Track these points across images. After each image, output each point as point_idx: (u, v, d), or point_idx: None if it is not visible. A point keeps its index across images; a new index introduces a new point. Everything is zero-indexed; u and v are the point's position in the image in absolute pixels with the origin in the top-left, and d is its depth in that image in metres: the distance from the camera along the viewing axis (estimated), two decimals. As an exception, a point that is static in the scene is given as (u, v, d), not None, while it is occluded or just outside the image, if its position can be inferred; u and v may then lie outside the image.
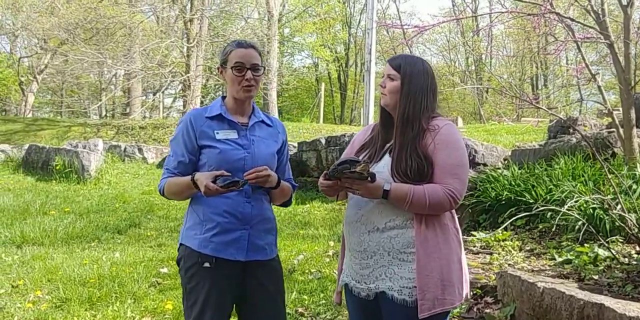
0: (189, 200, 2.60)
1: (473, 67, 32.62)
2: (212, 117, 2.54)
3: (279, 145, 2.71)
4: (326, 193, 2.46)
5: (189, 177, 2.43)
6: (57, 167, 11.47)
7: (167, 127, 17.82)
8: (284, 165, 2.78)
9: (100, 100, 31.87)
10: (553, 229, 4.99)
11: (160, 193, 2.62)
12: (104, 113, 35.11)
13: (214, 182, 2.31)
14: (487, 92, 27.71)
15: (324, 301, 4.35)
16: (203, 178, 2.33)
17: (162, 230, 7.51)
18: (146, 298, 4.58)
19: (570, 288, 3.26)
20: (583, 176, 5.73)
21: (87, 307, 4.43)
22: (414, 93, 2.43)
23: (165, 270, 5.41)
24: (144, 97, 28.96)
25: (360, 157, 2.47)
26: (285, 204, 2.81)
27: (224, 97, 2.66)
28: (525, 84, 31.76)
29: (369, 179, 2.26)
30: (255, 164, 2.50)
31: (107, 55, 19.86)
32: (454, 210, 2.42)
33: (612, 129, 6.83)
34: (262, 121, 2.68)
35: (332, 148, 10.12)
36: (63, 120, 20.83)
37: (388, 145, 2.50)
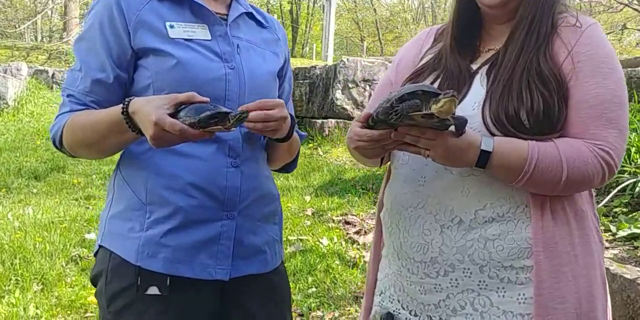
0: (113, 163, 1.39)
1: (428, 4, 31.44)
2: None
3: (280, 61, 1.57)
4: (363, 154, 1.36)
5: (116, 109, 1.26)
6: (-34, 94, 9.77)
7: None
8: (287, 99, 1.58)
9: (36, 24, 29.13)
10: None
11: (54, 144, 1.41)
12: (40, 38, 32.29)
13: (174, 114, 1.17)
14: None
15: (314, 288, 3.21)
16: (150, 108, 1.17)
17: (93, 176, 6.19)
18: (61, 283, 3.31)
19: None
20: None
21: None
22: None
23: (92, 235, 4.14)
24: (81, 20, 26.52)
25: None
26: (288, 168, 1.67)
27: None
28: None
29: (456, 128, 1.20)
30: (245, 91, 1.40)
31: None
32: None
33: None
34: (251, 15, 1.54)
35: (301, 82, 8.71)
36: (-14, 42, 18.63)
37: (476, 66, 1.37)
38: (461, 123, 1.20)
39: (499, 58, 1.36)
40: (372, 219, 4.57)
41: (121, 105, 1.24)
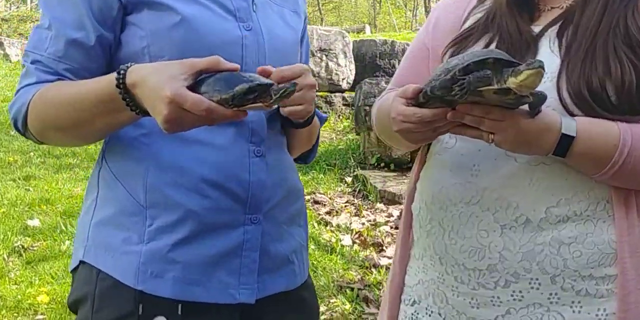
0: (95, 152, 1.07)
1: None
2: None
3: (301, 21, 1.28)
4: (408, 138, 1.10)
5: (106, 80, 0.94)
6: None
7: (38, 20, 15.01)
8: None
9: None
10: None
11: (15, 127, 1.07)
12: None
13: (193, 87, 0.87)
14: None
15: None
16: (162, 79, 0.86)
17: (31, 153, 5.65)
18: (3, 280, 2.90)
19: None
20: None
21: None
22: None
23: (36, 222, 3.70)
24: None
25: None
26: (307, 158, 1.40)
27: None
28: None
29: (531, 106, 0.97)
30: (265, 60, 1.10)
31: None
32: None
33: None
34: None
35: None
36: None
37: (539, 29, 1.13)
38: (539, 100, 0.94)
39: (572, 17, 1.09)
40: (340, 197, 4.34)
41: (114, 74, 0.91)
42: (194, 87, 0.86)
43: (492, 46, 1.16)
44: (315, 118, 1.25)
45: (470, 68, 0.90)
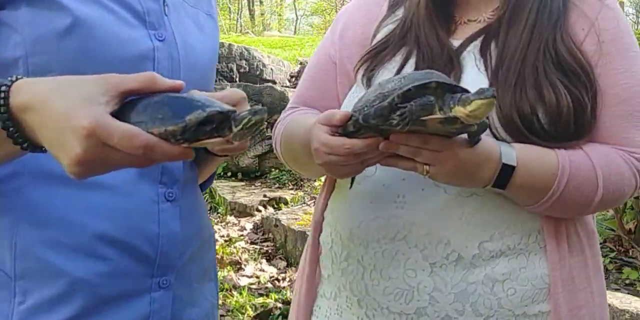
0: None
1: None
2: None
3: (217, 29, 1.06)
4: (332, 171, 0.96)
5: None
6: None
7: None
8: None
9: None
10: None
11: None
12: None
13: (118, 115, 0.60)
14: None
15: None
16: (75, 102, 0.58)
17: None
18: None
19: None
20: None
21: None
22: None
23: None
24: None
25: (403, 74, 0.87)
26: (203, 187, 1.11)
27: None
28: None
29: (470, 135, 0.87)
30: (179, 77, 0.86)
31: None
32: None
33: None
34: None
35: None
36: None
37: (457, 43, 1.06)
38: (482, 128, 0.84)
39: (493, 33, 1.02)
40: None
41: None
42: (117, 115, 0.60)
43: (411, 61, 1.05)
44: None
45: (410, 93, 0.77)
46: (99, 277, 0.80)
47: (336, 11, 21.35)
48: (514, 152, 0.91)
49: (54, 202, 0.78)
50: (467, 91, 0.79)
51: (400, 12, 1.12)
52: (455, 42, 1.05)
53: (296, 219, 3.87)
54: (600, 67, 0.98)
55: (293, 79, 7.50)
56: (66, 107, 0.58)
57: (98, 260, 0.80)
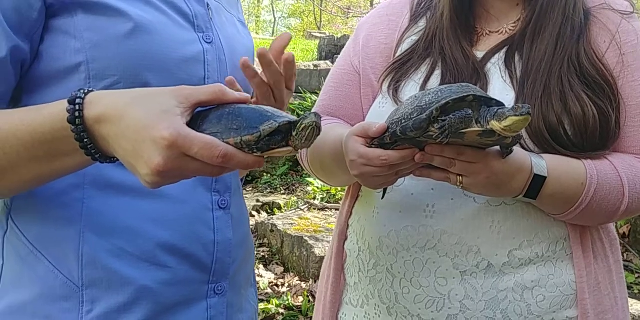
0: None
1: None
2: None
3: (249, 34, 1.06)
4: (367, 182, 0.97)
5: (51, 112, 0.66)
6: None
7: None
8: None
9: None
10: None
11: None
12: None
13: (191, 126, 0.64)
14: None
15: None
16: (154, 114, 0.62)
17: None
18: None
19: None
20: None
21: None
22: None
23: None
24: None
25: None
26: None
27: None
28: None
29: (503, 147, 0.89)
30: (225, 73, 0.90)
31: None
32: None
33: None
34: None
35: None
36: None
37: (481, 55, 1.08)
38: (515, 141, 0.86)
39: (517, 45, 1.04)
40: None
41: (62, 104, 0.64)
42: (190, 126, 0.62)
43: (437, 72, 1.07)
44: None
45: (448, 106, 0.79)
46: (162, 285, 0.81)
47: (314, 13, 21.33)
48: (544, 163, 0.93)
49: (116, 212, 0.79)
50: (501, 104, 0.81)
51: (422, 23, 1.14)
52: (479, 53, 1.07)
53: (292, 224, 3.87)
54: (622, 78, 1.01)
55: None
56: (145, 118, 0.60)
57: (160, 268, 0.81)
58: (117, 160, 0.65)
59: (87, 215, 0.78)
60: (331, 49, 8.49)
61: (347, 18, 15.76)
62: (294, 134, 0.66)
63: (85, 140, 0.63)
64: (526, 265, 1.00)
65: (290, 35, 0.92)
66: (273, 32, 29.36)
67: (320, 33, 14.02)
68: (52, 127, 0.65)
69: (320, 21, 20.39)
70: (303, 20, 26.82)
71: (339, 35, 9.20)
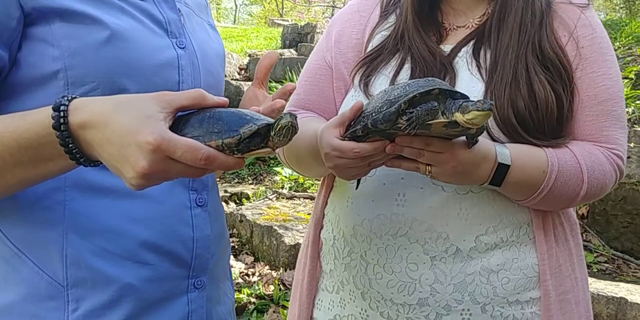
0: None
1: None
2: None
3: (220, 38, 1.09)
4: (341, 174, 1.00)
5: (35, 118, 0.69)
6: None
7: None
8: None
9: None
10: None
11: None
12: None
13: (173, 130, 0.67)
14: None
15: None
16: (139, 119, 0.64)
17: None
18: None
19: None
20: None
21: None
22: None
23: None
24: None
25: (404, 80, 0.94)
26: None
27: None
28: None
29: (469, 137, 0.94)
30: (200, 84, 0.92)
31: None
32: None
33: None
34: None
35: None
36: None
37: (448, 49, 1.14)
38: (480, 131, 0.91)
39: (482, 36, 1.09)
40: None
41: (46, 110, 0.66)
42: (172, 130, 0.65)
43: (406, 66, 1.11)
44: None
45: (415, 100, 0.84)
46: (144, 282, 0.84)
47: (276, 0, 21.22)
48: (508, 152, 0.99)
49: (97, 213, 0.81)
50: (465, 96, 0.86)
51: (392, 19, 1.18)
52: (447, 48, 1.12)
53: (261, 213, 3.90)
54: (580, 70, 1.07)
55: (242, 72, 7.47)
56: (130, 124, 0.63)
57: (142, 265, 0.84)
58: (101, 163, 0.68)
59: (69, 217, 0.80)
60: (295, 37, 8.48)
61: (309, 6, 15.73)
62: (272, 134, 0.69)
63: (70, 145, 0.66)
64: (492, 250, 1.05)
65: (277, 54, 0.95)
66: (234, 20, 29.08)
67: (283, 20, 13.95)
68: (37, 133, 0.67)
69: (282, 8, 20.29)
70: (265, 7, 26.63)
71: (303, 23, 9.18)
